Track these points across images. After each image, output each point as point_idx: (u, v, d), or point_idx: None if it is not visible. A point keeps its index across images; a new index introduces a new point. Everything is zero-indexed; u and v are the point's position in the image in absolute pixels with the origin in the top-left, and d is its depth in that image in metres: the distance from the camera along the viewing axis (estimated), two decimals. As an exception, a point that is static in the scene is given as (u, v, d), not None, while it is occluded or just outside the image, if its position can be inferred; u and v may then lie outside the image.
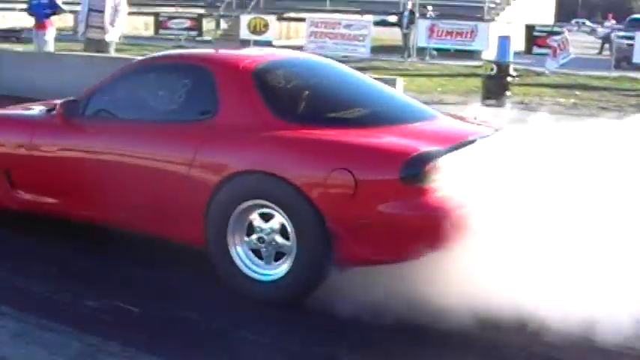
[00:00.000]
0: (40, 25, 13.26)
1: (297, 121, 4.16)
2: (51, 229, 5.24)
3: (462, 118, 4.85)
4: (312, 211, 3.80)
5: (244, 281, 4.08)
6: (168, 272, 4.59)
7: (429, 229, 3.71)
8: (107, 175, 4.53)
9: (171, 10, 32.92)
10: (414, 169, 3.73)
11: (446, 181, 3.78)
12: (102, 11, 11.34)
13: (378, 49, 24.83)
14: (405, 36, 24.15)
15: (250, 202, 4.00)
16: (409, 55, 23.76)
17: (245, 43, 23.80)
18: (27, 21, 37.24)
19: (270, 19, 26.76)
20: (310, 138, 4.01)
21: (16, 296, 4.19)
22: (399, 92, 5.63)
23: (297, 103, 4.37)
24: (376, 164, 3.80)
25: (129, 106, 4.71)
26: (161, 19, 30.39)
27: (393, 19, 27.18)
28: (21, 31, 30.59)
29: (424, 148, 3.86)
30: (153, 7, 33.46)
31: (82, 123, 4.76)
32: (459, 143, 4.02)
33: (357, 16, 27.47)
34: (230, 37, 28.08)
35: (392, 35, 27.14)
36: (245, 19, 26.99)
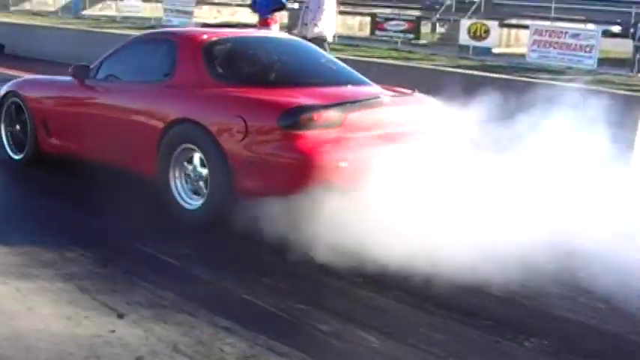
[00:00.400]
0: (264, 22, 13.93)
1: (225, 82, 5.59)
2: (274, 243, 4.90)
3: (393, 89, 6.02)
4: (218, 149, 5.18)
5: (177, 207, 5.59)
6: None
7: (299, 168, 4.86)
8: (101, 123, 6.25)
9: (388, 11, 33.35)
10: (289, 118, 4.98)
11: (323, 130, 4.99)
12: (312, 8, 11.49)
13: (604, 62, 23.60)
14: (637, 48, 22.83)
15: (184, 146, 5.48)
16: (639, 70, 22.44)
17: (464, 49, 23.84)
18: (241, 16, 39.87)
19: (492, 24, 26.45)
20: (225, 94, 5.44)
21: (243, 310, 4.02)
22: (343, 66, 6.52)
23: (231, 69, 5.90)
24: (261, 114, 5.14)
25: (123, 71, 6.41)
26: (378, 20, 31.00)
27: (616, 29, 25.78)
28: (235, 26, 33.09)
29: (306, 102, 5.09)
30: (369, 7, 34.15)
31: (92, 84, 6.54)
32: (345, 100, 5.25)
33: (581, 25, 26.38)
34: (448, 42, 28.19)
35: (616, 47, 25.75)
36: (465, 23, 26.92)
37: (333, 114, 5.18)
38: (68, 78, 6.81)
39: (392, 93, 5.90)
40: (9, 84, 7.54)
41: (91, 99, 6.52)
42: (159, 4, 40.97)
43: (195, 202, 5.47)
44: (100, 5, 48.27)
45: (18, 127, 7.36)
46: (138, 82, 6.20)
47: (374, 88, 6.03)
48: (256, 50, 6.40)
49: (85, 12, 46.61)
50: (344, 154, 5.04)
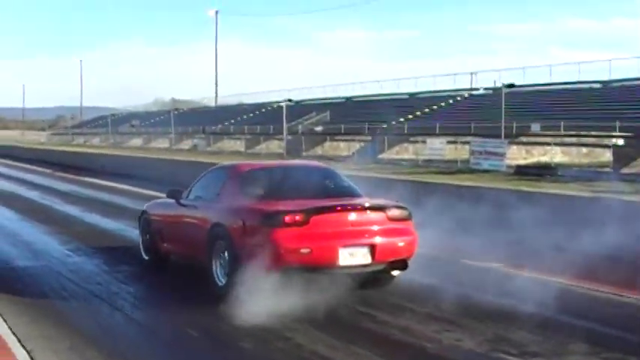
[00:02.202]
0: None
1: (248, 197, 9.11)
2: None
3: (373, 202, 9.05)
4: (232, 241, 8.67)
5: (214, 284, 9.01)
6: None
7: (274, 252, 8.19)
8: (183, 229, 10.11)
9: None
10: (267, 220, 8.33)
11: (293, 228, 8.24)
12: None
13: None
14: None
15: (219, 241, 8.95)
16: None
17: None
18: (554, 155, 39.70)
19: None
20: (238, 206, 9.01)
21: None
22: (344, 184, 9.74)
23: (255, 188, 9.31)
24: (253, 217, 8.57)
25: (203, 192, 10.06)
26: None
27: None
28: (556, 167, 32.99)
29: (283, 209, 8.41)
30: None
31: (184, 202, 10.25)
32: (313, 206, 8.46)
33: None
34: None
35: None
36: None
37: (299, 216, 8.33)
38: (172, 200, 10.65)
39: (370, 202, 8.94)
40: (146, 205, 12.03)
41: (180, 214, 10.26)
42: (465, 146, 42.96)
43: (223, 280, 8.79)
44: (396, 148, 52.07)
45: (148, 236, 11.30)
46: (205, 200, 9.89)
47: (358, 199, 9.13)
48: (278, 175, 9.89)
49: (381, 156, 50.04)
50: (306, 244, 8.20)
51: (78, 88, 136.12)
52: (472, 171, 36.57)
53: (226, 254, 8.73)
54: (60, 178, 33.03)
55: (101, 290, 9.51)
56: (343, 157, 49.44)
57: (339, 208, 8.60)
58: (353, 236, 8.45)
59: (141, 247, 11.53)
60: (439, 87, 64.69)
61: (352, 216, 8.54)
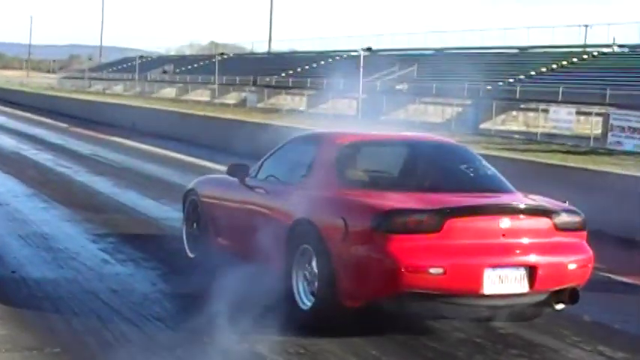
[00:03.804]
0: None
1: (349, 185, 8.09)
2: None
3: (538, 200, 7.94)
4: (325, 249, 7.58)
5: (295, 306, 7.96)
6: None
7: (385, 271, 7.12)
8: (251, 221, 8.95)
9: None
10: (381, 220, 7.17)
11: (418, 235, 7.17)
12: None
13: None
14: None
15: (304, 246, 7.92)
16: None
17: None
18: None
19: None
20: (335, 196, 7.95)
21: None
22: (488, 173, 8.43)
23: (357, 172, 8.45)
24: (358, 215, 7.44)
25: (279, 171, 9.01)
26: None
27: None
28: None
29: (403, 206, 7.32)
30: None
31: (252, 184, 9.18)
32: (447, 206, 7.28)
33: None
34: None
35: None
36: None
37: (428, 218, 7.08)
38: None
39: (529, 203, 7.69)
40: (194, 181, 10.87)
41: (246, 199, 9.16)
42: (599, 119, 40.99)
43: (308, 303, 7.70)
44: (502, 117, 50.06)
45: (195, 225, 10.22)
46: (284, 183, 8.80)
47: (510, 197, 7.87)
48: (393, 154, 8.91)
49: (483, 125, 48.52)
50: (438, 261, 6.92)
51: (96, 23, 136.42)
52: (610, 152, 34.74)
53: (314, 265, 7.66)
54: (78, 135, 31.84)
55: (166, 330, 7.40)
56: (435, 124, 47.83)
57: (486, 209, 7.47)
58: (504, 252, 7.24)
59: (184, 240, 10.45)
60: (558, 41, 62.48)
61: (505, 222, 7.27)
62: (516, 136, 43.22)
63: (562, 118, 42.75)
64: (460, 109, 52.63)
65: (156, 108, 41.66)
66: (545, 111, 44.74)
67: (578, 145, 37.63)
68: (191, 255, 10.17)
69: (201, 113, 36.75)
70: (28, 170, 19.30)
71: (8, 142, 26.94)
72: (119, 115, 38.86)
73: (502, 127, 48.05)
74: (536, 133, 43.07)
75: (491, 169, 8.51)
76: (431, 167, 8.52)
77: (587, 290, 7.80)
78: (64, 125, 36.77)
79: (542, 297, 7.41)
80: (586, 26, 62.84)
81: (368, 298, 7.21)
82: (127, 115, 38.11)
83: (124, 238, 11.31)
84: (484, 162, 8.66)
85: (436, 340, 7.33)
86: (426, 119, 51.67)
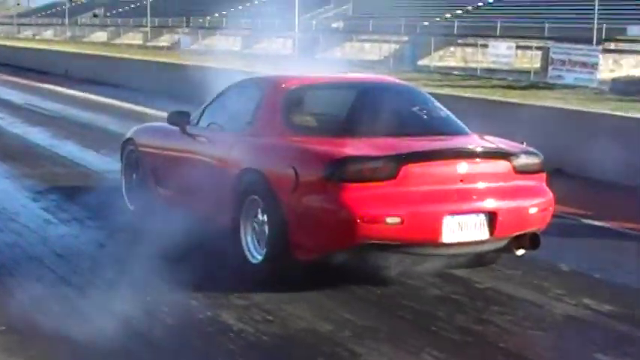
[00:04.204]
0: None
1: (298, 132, 7.73)
2: None
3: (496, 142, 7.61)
4: (275, 201, 7.23)
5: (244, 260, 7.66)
6: None
7: (340, 222, 6.75)
8: (190, 172, 8.56)
9: None
10: (334, 168, 6.77)
11: (373, 183, 6.77)
12: None
13: None
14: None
15: (252, 197, 7.58)
16: None
17: None
18: None
19: None
20: (285, 144, 7.54)
21: None
22: (442, 115, 8.08)
23: (306, 117, 8.18)
24: (310, 164, 7.07)
25: (220, 119, 8.57)
26: None
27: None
28: None
29: (357, 153, 6.94)
30: None
31: (193, 132, 8.74)
32: (403, 151, 6.89)
33: None
34: None
35: None
36: None
37: (384, 165, 6.72)
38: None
39: (487, 146, 7.37)
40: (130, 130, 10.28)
41: (188, 149, 8.73)
42: (538, 53, 40.76)
43: (259, 256, 7.34)
44: (439, 53, 49.68)
45: (135, 176, 9.82)
46: (228, 130, 8.33)
47: (466, 140, 7.54)
48: (342, 97, 8.44)
49: (422, 62, 48.22)
50: (395, 210, 6.57)
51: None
52: (550, 86, 34.28)
53: (264, 217, 7.25)
54: (9, 83, 30.86)
55: (118, 300, 6.72)
56: (373, 62, 47.31)
57: (443, 154, 7.09)
58: (463, 198, 6.89)
59: (123, 191, 9.98)
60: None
61: (462, 167, 6.92)
62: (455, 72, 42.76)
63: (501, 53, 42.27)
64: (397, 47, 52.03)
65: (88, 53, 40.42)
66: (484, 46, 44.29)
67: (518, 80, 37.29)
68: (131, 207, 9.73)
69: (137, 57, 35.77)
70: (-43, 122, 18.41)
71: None
72: (51, 61, 37.84)
73: (440, 64, 47.62)
74: (475, 69, 42.66)
75: (444, 111, 8.16)
76: (382, 110, 7.99)
77: (557, 235, 7.58)
78: (-6, 74, 35.51)
79: (502, 243, 7.11)
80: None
81: (322, 251, 6.88)
82: (59, 61, 37.14)
83: (65, 194, 10.62)
84: (436, 103, 8.31)
85: (411, 299, 6.83)
86: (363, 57, 51.07)
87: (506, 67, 41.41)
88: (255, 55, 52.53)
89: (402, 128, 7.73)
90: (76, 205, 10.04)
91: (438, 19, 53.61)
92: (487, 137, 7.70)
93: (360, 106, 8.18)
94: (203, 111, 8.87)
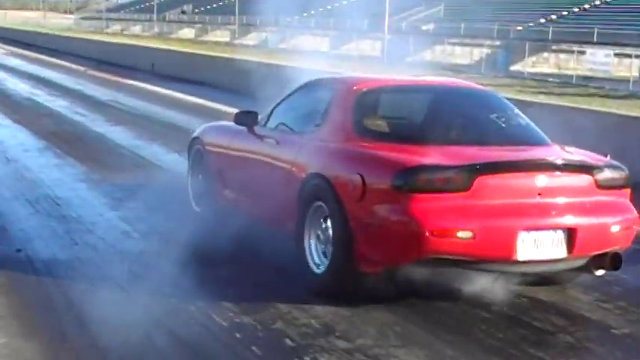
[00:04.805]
0: None
1: (368, 136, 7.42)
2: None
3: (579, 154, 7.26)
4: (340, 209, 6.96)
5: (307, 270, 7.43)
6: None
7: (406, 234, 6.52)
8: (258, 176, 8.54)
9: None
10: (402, 178, 6.48)
11: (444, 194, 6.46)
12: None
13: None
14: None
15: (317, 203, 7.43)
16: None
17: None
18: None
19: None
20: (352, 149, 7.32)
21: None
22: (523, 123, 7.73)
23: (377, 122, 7.77)
24: (378, 172, 6.80)
25: (290, 119, 8.37)
26: None
27: None
28: None
29: (428, 162, 6.58)
30: None
31: (261, 132, 8.54)
32: (478, 162, 6.56)
33: None
34: None
35: None
36: None
37: (457, 176, 6.39)
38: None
39: (568, 157, 7.00)
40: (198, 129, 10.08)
41: (255, 149, 8.47)
42: (637, 61, 39.46)
43: (322, 267, 7.05)
44: (532, 59, 48.44)
45: (201, 177, 9.57)
46: (296, 132, 8.05)
47: (546, 151, 7.21)
48: (416, 101, 8.22)
49: (514, 67, 47.33)
50: (467, 223, 6.26)
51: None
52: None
53: (329, 225, 7.00)
54: (95, 79, 30.56)
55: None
56: (463, 66, 46.42)
57: (520, 165, 6.75)
58: (540, 213, 6.56)
59: (189, 192, 9.77)
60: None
61: (541, 180, 6.61)
62: (550, 79, 41.47)
63: (599, 61, 41.00)
64: (489, 51, 51.03)
65: (175, 50, 40.03)
66: (581, 53, 42.92)
67: (616, 89, 35.95)
68: (197, 209, 9.51)
69: (225, 55, 35.14)
70: (42, 119, 17.96)
71: (22, 88, 25.67)
72: (137, 57, 37.62)
73: (533, 70, 46.42)
74: (571, 76, 41.35)
75: (525, 119, 7.78)
76: (458, 117, 7.79)
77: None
78: (81, 68, 35.47)
79: (581, 262, 6.79)
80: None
81: (387, 264, 6.64)
82: (145, 56, 36.85)
83: (147, 202, 9.88)
84: (516, 110, 7.93)
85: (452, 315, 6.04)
86: (453, 61, 50.27)
87: (603, 75, 40.04)
88: (343, 56, 51.99)
89: (478, 136, 7.47)
90: (156, 215, 9.33)
91: (531, 23, 52.22)
92: (569, 148, 7.38)
93: (435, 112, 7.95)
94: (272, 111, 8.61)
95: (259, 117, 8.65)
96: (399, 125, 7.85)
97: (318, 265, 7.12)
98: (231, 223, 8.33)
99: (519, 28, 51.44)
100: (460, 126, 7.63)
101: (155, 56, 36.35)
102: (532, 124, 7.72)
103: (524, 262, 6.47)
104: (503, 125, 7.61)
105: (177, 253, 7.84)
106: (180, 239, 8.30)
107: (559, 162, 6.75)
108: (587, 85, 37.83)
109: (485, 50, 50.92)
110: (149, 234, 8.60)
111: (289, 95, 8.56)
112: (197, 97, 23.76)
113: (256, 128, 8.58)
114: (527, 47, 45.80)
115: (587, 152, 7.27)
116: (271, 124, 8.48)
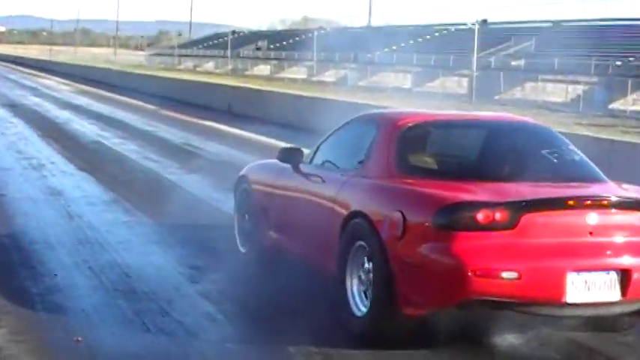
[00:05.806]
0: None
1: (410, 173, 7.59)
2: None
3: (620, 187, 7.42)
4: (380, 247, 7.05)
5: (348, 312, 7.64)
6: None
7: (449, 275, 6.56)
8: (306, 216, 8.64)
9: None
10: (444, 216, 6.54)
11: (488, 233, 6.52)
12: None
13: None
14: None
15: (359, 243, 7.65)
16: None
17: None
18: None
19: None
20: (393, 186, 7.49)
21: None
22: (576, 159, 7.80)
23: (420, 158, 7.96)
24: (419, 209, 6.86)
25: (336, 157, 8.53)
26: None
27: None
28: None
29: (471, 198, 6.70)
30: None
31: (306, 170, 8.71)
32: (524, 198, 6.66)
33: None
34: None
35: None
36: None
37: (502, 213, 6.40)
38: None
39: (621, 194, 7.03)
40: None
41: (299, 187, 8.64)
42: None
43: (364, 309, 7.09)
44: (633, 96, 46.85)
45: (247, 217, 9.70)
46: (339, 169, 8.22)
47: (600, 187, 7.26)
48: (462, 137, 8.41)
49: (613, 105, 46.09)
50: (512, 263, 6.28)
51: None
52: None
53: (370, 266, 7.08)
54: (167, 119, 29.92)
55: None
56: (558, 104, 45.11)
57: (570, 201, 6.77)
58: (591, 253, 6.65)
59: (236, 232, 9.93)
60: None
61: (592, 218, 6.65)
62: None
63: None
64: (585, 88, 49.58)
65: (253, 88, 39.28)
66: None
67: None
68: (242, 250, 9.71)
69: (309, 94, 34.21)
70: (109, 166, 17.06)
71: (89, 129, 24.97)
72: (212, 95, 37.01)
73: (633, 108, 44.83)
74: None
75: (579, 154, 7.85)
76: (506, 152, 7.91)
77: None
78: (153, 107, 34.91)
79: (636, 306, 6.82)
80: None
81: (430, 307, 6.72)
82: (221, 95, 36.23)
83: (232, 272, 8.78)
84: (570, 146, 7.99)
85: None
86: (545, 98, 49.07)
87: None
88: (425, 93, 51.10)
89: (527, 172, 7.46)
90: (245, 290, 8.23)
91: (632, 58, 50.54)
92: (624, 185, 7.45)
93: (482, 147, 8.07)
94: (317, 148, 8.77)
95: (304, 155, 8.79)
96: (444, 161, 7.96)
97: (359, 308, 7.16)
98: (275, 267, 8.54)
99: (618, 63, 49.87)
100: (507, 161, 7.70)
101: (231, 94, 35.64)
102: (586, 160, 7.78)
103: (573, 305, 6.49)
104: (555, 160, 7.68)
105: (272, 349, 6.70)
106: (273, 326, 7.17)
107: (612, 199, 6.80)
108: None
109: (581, 87, 49.54)
110: (235, 315, 7.48)
111: (335, 131, 8.68)
112: (278, 139, 22.46)
113: (301, 165, 8.72)
114: (629, 84, 44.24)
115: None
116: (317, 161, 8.64)
